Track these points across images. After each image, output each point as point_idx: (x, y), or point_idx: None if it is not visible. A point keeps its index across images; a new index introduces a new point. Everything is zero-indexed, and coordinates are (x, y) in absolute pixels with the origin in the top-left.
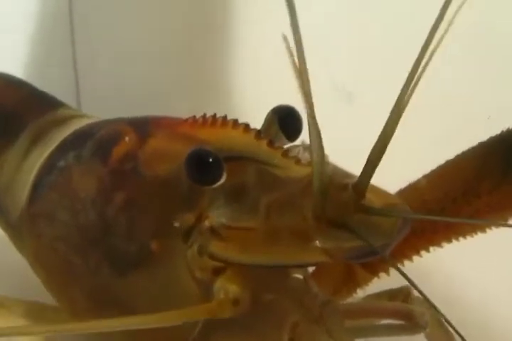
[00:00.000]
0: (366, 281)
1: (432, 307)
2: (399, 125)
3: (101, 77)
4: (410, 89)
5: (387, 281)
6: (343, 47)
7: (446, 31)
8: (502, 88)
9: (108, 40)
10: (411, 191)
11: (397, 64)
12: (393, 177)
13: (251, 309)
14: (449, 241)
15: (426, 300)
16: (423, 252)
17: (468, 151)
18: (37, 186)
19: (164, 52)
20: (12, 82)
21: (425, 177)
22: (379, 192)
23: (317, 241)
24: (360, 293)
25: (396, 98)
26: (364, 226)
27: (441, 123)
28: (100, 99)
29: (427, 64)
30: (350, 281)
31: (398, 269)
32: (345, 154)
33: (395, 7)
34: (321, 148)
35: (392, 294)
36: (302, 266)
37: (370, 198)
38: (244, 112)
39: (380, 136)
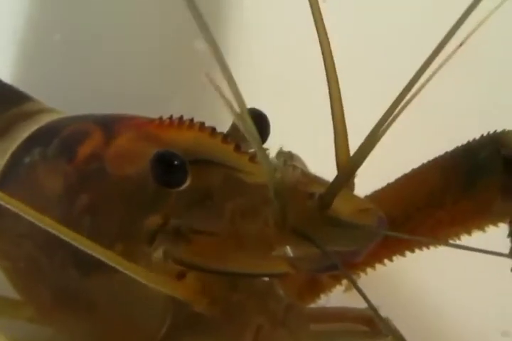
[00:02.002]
0: (329, 287)
1: (379, 318)
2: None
3: (96, 75)
4: (404, 102)
5: None
6: None
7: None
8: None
9: (107, 37)
10: (375, 198)
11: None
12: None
13: (215, 310)
14: (412, 250)
15: (374, 311)
16: (387, 261)
17: (434, 160)
18: (2, 182)
19: (159, 51)
20: None
21: (390, 185)
22: (350, 198)
23: (280, 251)
24: (324, 299)
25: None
26: (328, 237)
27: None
28: (93, 97)
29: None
30: (314, 286)
31: (355, 284)
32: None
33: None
34: (265, 155)
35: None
36: (265, 277)
37: (338, 206)
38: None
39: (360, 147)
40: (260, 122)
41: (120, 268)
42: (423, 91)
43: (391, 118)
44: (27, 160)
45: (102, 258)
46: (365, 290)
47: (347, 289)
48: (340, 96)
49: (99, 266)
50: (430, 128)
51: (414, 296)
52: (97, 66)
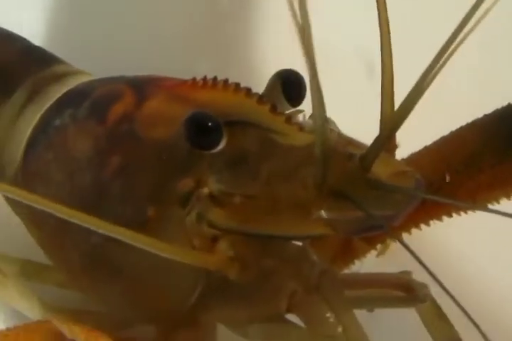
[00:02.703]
0: (364, 252)
1: (435, 279)
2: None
3: (120, 33)
4: (435, 69)
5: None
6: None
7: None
8: None
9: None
10: (412, 162)
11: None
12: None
13: (249, 276)
14: (449, 215)
15: (428, 271)
16: (422, 226)
17: (472, 123)
18: (32, 144)
19: (186, 12)
20: (6, 36)
21: (428, 148)
22: (388, 160)
23: (319, 213)
24: (358, 265)
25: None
26: (368, 199)
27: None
28: (117, 57)
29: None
30: (348, 252)
31: (401, 242)
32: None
33: None
34: (323, 113)
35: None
36: (304, 239)
37: (377, 169)
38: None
39: (396, 111)
40: (297, 84)
41: (149, 249)
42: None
43: (433, 73)
44: (57, 122)
45: (130, 241)
46: (396, 257)
47: (380, 253)
48: (391, 53)
49: (130, 229)
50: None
51: (445, 263)
52: (119, 31)
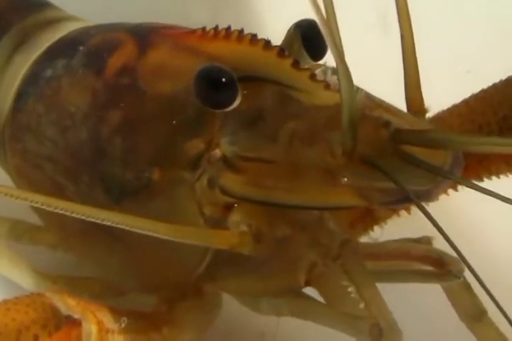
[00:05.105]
0: (385, 218)
1: (456, 252)
2: None
3: None
4: None
5: None
6: None
7: None
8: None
9: None
10: (462, 106)
11: None
12: None
13: (265, 249)
14: (481, 179)
15: (450, 243)
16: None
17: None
18: (21, 96)
19: None
20: None
21: (476, 95)
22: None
23: (347, 181)
24: (377, 232)
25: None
26: (401, 172)
27: None
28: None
29: None
30: (368, 217)
31: (431, 219)
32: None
33: None
34: (348, 71)
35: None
36: (334, 209)
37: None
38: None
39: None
40: (321, 35)
41: (156, 234)
42: None
43: None
44: (49, 73)
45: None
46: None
47: None
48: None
49: (131, 194)
50: None
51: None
52: None
